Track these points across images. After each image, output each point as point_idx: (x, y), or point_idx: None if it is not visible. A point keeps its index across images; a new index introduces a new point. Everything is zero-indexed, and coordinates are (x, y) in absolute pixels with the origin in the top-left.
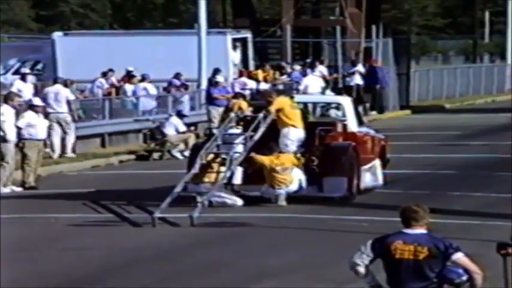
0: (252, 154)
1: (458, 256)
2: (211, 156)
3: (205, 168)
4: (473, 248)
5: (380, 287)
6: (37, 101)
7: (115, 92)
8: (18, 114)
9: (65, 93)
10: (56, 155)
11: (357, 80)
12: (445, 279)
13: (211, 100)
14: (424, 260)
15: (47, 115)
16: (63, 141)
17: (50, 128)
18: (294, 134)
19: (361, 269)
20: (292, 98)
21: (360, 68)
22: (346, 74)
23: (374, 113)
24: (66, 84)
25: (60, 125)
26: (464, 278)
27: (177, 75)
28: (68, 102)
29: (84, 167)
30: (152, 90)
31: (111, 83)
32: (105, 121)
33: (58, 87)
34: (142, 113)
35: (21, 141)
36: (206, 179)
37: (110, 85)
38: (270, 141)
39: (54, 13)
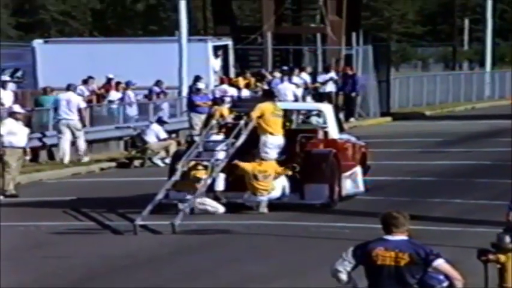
0: (235, 161)
1: (439, 262)
2: (192, 163)
3: (187, 175)
4: (453, 255)
5: None
6: (17, 108)
7: (96, 100)
8: None
9: (76, 100)
10: (66, 160)
11: (330, 87)
12: (426, 285)
13: (193, 107)
14: (405, 266)
15: (29, 122)
16: (73, 144)
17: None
18: (272, 141)
19: (343, 276)
20: (274, 103)
21: (333, 74)
22: (320, 82)
23: (353, 119)
24: (45, 91)
25: (71, 131)
26: (445, 284)
27: (158, 83)
28: (79, 110)
29: (65, 175)
30: (133, 97)
31: (92, 90)
32: (86, 128)
33: (70, 94)
34: (124, 121)
35: (1, 149)
36: (188, 186)
37: (90, 92)
38: (252, 148)
39: (34, 21)
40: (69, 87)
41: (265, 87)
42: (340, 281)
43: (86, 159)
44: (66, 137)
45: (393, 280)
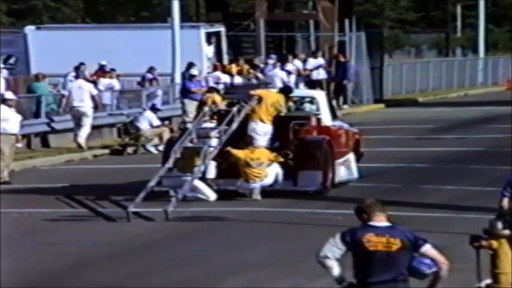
0: (228, 148)
1: (427, 247)
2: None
3: (189, 157)
4: (446, 241)
5: (343, 279)
6: (9, 95)
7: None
8: None
9: (88, 87)
10: (84, 145)
11: (321, 74)
12: (415, 270)
13: (186, 94)
14: (397, 251)
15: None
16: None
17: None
18: (261, 128)
19: (332, 262)
20: (284, 98)
21: (321, 61)
22: (309, 69)
23: (346, 106)
24: (37, 78)
25: (79, 118)
26: (434, 268)
27: (151, 69)
28: (92, 96)
29: (58, 162)
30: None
31: (84, 76)
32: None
33: (81, 82)
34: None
35: None
36: (188, 168)
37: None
38: (244, 135)
39: (26, 7)
40: (78, 75)
41: (259, 74)
42: (328, 268)
43: (84, 146)
44: (80, 123)
45: (384, 266)
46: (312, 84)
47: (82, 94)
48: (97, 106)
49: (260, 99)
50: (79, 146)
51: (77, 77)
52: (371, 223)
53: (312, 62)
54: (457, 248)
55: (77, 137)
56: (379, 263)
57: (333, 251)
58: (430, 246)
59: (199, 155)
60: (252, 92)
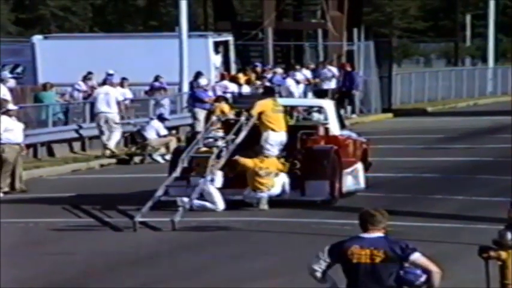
0: (236, 157)
1: (416, 256)
2: (203, 149)
3: (203, 162)
4: (454, 251)
5: None
6: (10, 106)
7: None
8: None
9: (115, 94)
10: (109, 151)
11: (328, 84)
12: (403, 281)
13: (197, 103)
14: (381, 263)
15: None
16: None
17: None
18: (274, 138)
19: (319, 275)
20: (275, 100)
21: (334, 70)
22: (321, 78)
23: (354, 116)
24: (44, 87)
25: (108, 124)
26: (423, 278)
27: (157, 78)
28: (118, 103)
29: (65, 171)
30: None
31: (92, 85)
32: (85, 124)
33: (107, 88)
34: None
35: (0, 146)
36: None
37: (90, 88)
38: (253, 144)
39: (34, 16)
40: (105, 82)
41: (266, 83)
42: (316, 280)
43: (111, 151)
44: (106, 130)
45: (370, 278)
46: (321, 93)
47: (109, 100)
48: (122, 115)
49: (261, 113)
50: (110, 151)
51: (103, 82)
52: (361, 234)
53: (322, 72)
54: (466, 259)
55: (106, 144)
56: (364, 275)
57: (319, 263)
58: (419, 254)
59: (208, 165)
60: (252, 113)
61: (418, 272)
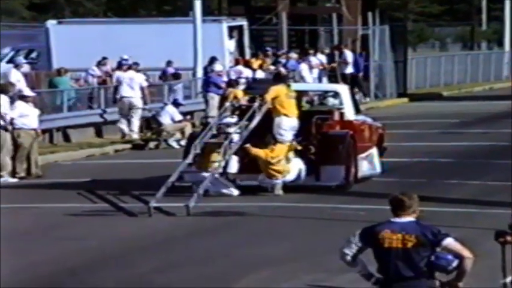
0: (247, 146)
1: (449, 241)
2: (212, 141)
3: (203, 156)
4: (470, 236)
5: (371, 275)
6: (27, 91)
7: (110, 81)
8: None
9: (139, 79)
10: (135, 135)
11: (349, 69)
12: (435, 266)
13: (210, 88)
14: (413, 248)
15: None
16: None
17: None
18: (286, 123)
19: (349, 258)
20: (288, 86)
21: (349, 55)
22: (340, 61)
23: (368, 99)
24: (59, 72)
25: (128, 109)
26: (455, 263)
27: (169, 63)
28: (142, 88)
29: (80, 156)
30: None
31: (106, 71)
32: (100, 110)
33: (132, 73)
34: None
35: (15, 130)
36: (206, 165)
37: (104, 73)
38: (266, 130)
39: (48, 1)
40: (130, 67)
41: (281, 68)
42: (347, 264)
43: (135, 136)
44: (131, 114)
45: (401, 262)
46: (340, 78)
47: (132, 85)
48: (146, 100)
49: (274, 99)
50: (132, 133)
51: (129, 67)
52: (392, 219)
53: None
54: (482, 244)
55: (126, 131)
56: (395, 260)
57: (351, 247)
58: (451, 240)
59: (220, 151)
60: (266, 98)
61: (450, 257)
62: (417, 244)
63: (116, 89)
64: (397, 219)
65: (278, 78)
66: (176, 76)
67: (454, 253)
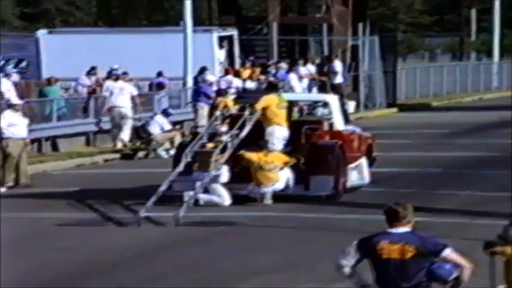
0: (241, 151)
1: (448, 252)
2: (210, 145)
3: (200, 162)
4: (460, 247)
5: (368, 286)
6: (15, 100)
7: (99, 90)
8: None
9: (129, 89)
10: (127, 143)
11: (338, 78)
12: (435, 277)
13: (200, 98)
14: (412, 258)
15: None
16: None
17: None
18: (278, 133)
19: (347, 270)
20: (279, 95)
21: (338, 65)
22: (326, 72)
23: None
24: (49, 81)
25: (119, 118)
26: (455, 274)
27: (159, 74)
28: (132, 97)
29: (69, 166)
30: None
31: (97, 80)
32: (89, 119)
33: (122, 83)
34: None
35: (3, 140)
36: (205, 166)
37: (94, 83)
38: (257, 139)
39: (39, 11)
40: (118, 77)
41: (270, 78)
42: (344, 275)
43: (119, 145)
44: (122, 123)
45: (400, 273)
46: (332, 88)
47: (123, 95)
48: (137, 110)
49: (265, 108)
50: (123, 142)
51: (117, 77)
52: (388, 230)
53: (338, 65)
54: (471, 254)
55: (117, 141)
56: (394, 271)
57: (348, 258)
58: (450, 250)
59: (212, 160)
60: (257, 107)
61: (449, 266)
62: (416, 255)
63: (107, 97)
64: (394, 230)
65: (270, 88)
66: (160, 86)
67: (452, 263)
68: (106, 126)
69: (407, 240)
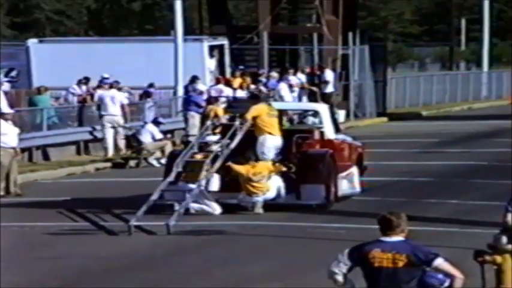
0: (229, 163)
1: (439, 262)
2: (199, 156)
3: (191, 172)
4: (450, 256)
5: None
6: (6, 109)
7: (90, 99)
8: None
9: (120, 97)
10: (110, 154)
11: (329, 88)
12: (426, 286)
13: (191, 107)
14: (403, 267)
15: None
16: (115, 141)
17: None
18: (270, 142)
19: (339, 278)
20: (270, 105)
21: (329, 74)
22: (320, 81)
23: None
24: (39, 90)
25: (113, 126)
26: (446, 283)
27: (150, 85)
28: (122, 106)
29: (60, 175)
30: (120, 97)
31: (87, 89)
32: (80, 128)
33: (114, 91)
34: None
35: None
36: (193, 177)
37: (85, 92)
38: (248, 149)
39: (29, 20)
40: (111, 86)
41: (261, 87)
42: (336, 283)
43: (124, 152)
44: (110, 132)
45: (391, 282)
46: (322, 97)
47: (114, 103)
48: (126, 118)
49: (256, 118)
50: (115, 150)
51: (110, 86)
52: (381, 238)
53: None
54: (461, 263)
55: (108, 150)
56: (386, 279)
57: (340, 266)
58: (442, 260)
59: (202, 169)
60: (247, 117)
61: (441, 276)
62: (408, 264)
63: (99, 107)
64: (387, 239)
65: (252, 98)
66: (147, 94)
67: (444, 273)
68: (99, 134)
69: (399, 249)
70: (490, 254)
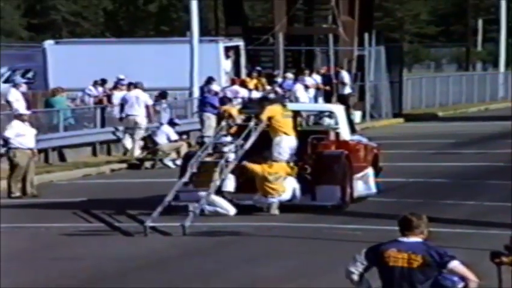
0: (244, 162)
1: (454, 264)
2: (213, 157)
3: (199, 176)
4: (466, 257)
5: None
6: (23, 110)
7: (107, 100)
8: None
9: (144, 98)
10: (135, 154)
11: (347, 89)
12: (439, 287)
13: (206, 108)
14: (418, 268)
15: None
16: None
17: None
18: (286, 143)
19: (355, 277)
20: (284, 106)
21: (345, 76)
22: (341, 82)
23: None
24: (55, 92)
25: (132, 127)
26: (460, 286)
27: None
28: (147, 106)
29: (75, 176)
30: (144, 97)
31: (104, 90)
32: (96, 129)
33: (138, 91)
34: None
35: (11, 150)
36: (204, 184)
37: (101, 93)
38: (263, 149)
39: (46, 21)
40: (136, 85)
41: (277, 88)
42: (353, 282)
43: (137, 153)
44: (135, 133)
45: (406, 282)
46: (339, 98)
47: (138, 104)
48: (151, 119)
49: (271, 118)
50: (133, 152)
51: (135, 86)
52: (399, 238)
53: (346, 76)
54: (478, 265)
55: (128, 151)
56: (400, 279)
57: (356, 265)
58: (458, 262)
59: (217, 170)
60: (262, 118)
61: (455, 278)
62: (423, 265)
63: (122, 107)
64: (405, 239)
65: (262, 101)
66: (162, 95)
67: (459, 276)
68: (105, 137)
69: (415, 249)
70: (506, 256)
